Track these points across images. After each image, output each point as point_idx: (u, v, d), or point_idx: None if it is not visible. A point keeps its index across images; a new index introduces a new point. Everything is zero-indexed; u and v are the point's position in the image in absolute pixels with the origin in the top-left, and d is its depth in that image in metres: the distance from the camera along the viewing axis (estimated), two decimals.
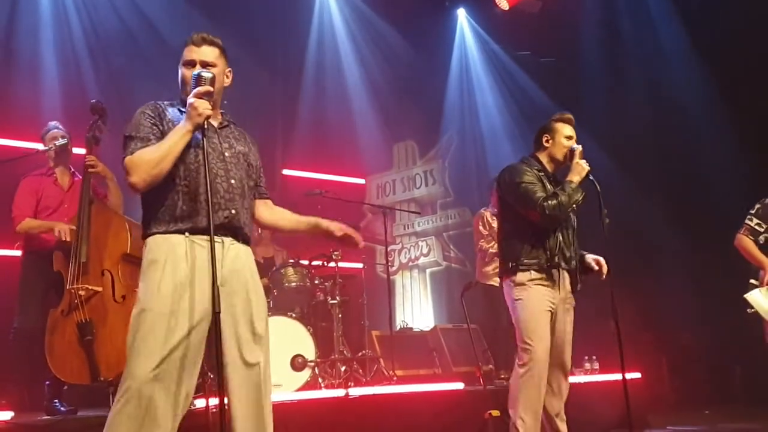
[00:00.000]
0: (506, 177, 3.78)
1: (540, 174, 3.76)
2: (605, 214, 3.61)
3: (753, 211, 4.74)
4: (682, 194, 7.92)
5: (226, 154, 2.72)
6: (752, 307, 4.60)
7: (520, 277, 3.62)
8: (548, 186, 3.71)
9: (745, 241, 4.67)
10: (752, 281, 4.67)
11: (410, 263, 9.60)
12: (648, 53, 8.45)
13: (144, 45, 7.03)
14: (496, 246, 5.88)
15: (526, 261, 3.62)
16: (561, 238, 3.66)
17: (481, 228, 6.32)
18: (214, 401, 4.09)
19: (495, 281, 5.90)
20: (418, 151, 9.81)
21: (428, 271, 9.45)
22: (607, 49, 8.68)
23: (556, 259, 3.61)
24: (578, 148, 3.74)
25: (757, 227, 4.67)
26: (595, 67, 8.76)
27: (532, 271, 3.60)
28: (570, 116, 3.89)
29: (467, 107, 9.32)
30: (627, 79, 8.65)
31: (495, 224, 6.02)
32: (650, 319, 7.99)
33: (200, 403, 4.21)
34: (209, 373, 4.77)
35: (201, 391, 4.52)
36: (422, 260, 9.50)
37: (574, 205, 3.61)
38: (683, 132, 8.03)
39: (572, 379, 5.81)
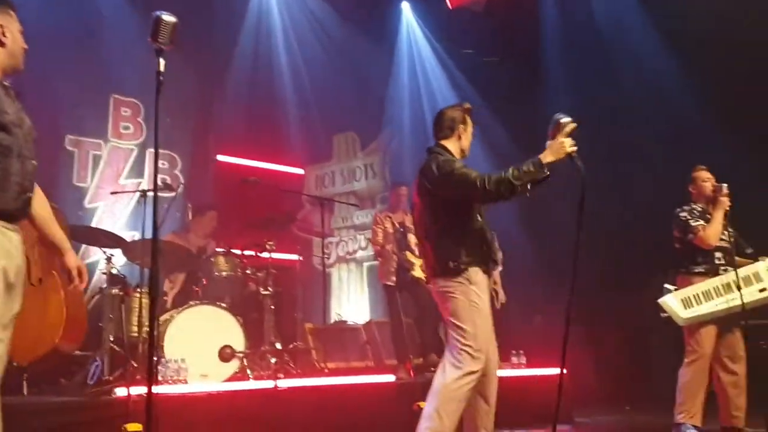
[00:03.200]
0: (434, 172, 3.53)
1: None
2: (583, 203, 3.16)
3: (685, 215, 4.83)
4: (615, 195, 8.15)
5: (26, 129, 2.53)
6: (666, 312, 4.71)
7: (472, 274, 3.44)
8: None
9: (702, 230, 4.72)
10: (666, 286, 4.78)
11: (348, 256, 9.56)
12: (596, 51, 8.61)
13: None
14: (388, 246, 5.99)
15: (466, 259, 3.45)
16: (488, 235, 3.56)
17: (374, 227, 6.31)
18: (136, 390, 4.00)
19: (392, 281, 6.02)
20: (359, 143, 9.75)
21: (365, 264, 9.42)
22: (553, 49, 8.84)
23: (491, 255, 3.54)
24: (567, 120, 3.26)
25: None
26: (541, 68, 8.92)
27: (478, 269, 3.46)
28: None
29: (410, 101, 9.32)
30: (572, 79, 8.82)
31: (387, 224, 6.11)
32: (578, 315, 8.16)
33: (121, 391, 4.11)
34: (132, 362, 4.66)
35: (122, 379, 4.42)
36: (360, 254, 9.47)
37: (528, 184, 3.27)
38: (622, 127, 8.27)
39: (499, 372, 5.93)
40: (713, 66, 7.26)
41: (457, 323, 3.44)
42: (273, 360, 5.59)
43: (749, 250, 4.91)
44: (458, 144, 3.69)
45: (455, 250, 3.47)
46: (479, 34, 8.74)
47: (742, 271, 4.63)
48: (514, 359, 6.10)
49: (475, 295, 3.45)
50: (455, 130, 3.69)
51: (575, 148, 3.22)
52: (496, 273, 6.11)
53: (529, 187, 3.27)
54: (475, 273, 3.47)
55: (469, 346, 3.39)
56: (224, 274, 5.66)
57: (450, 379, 3.38)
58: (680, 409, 4.65)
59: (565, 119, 3.23)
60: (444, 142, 3.70)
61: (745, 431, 4.66)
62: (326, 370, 5.83)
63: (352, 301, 9.32)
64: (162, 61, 2.62)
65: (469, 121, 3.72)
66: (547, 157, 3.24)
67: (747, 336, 4.78)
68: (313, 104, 8.85)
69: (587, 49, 8.55)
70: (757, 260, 4.77)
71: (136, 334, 5.00)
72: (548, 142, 3.28)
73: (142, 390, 3.87)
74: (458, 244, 3.48)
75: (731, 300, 4.59)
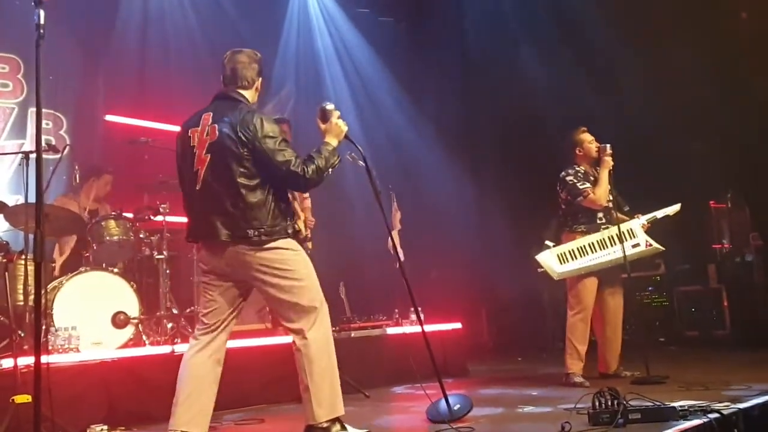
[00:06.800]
0: (256, 131, 3.27)
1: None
2: (374, 175, 3.59)
3: (571, 179, 5.06)
4: (516, 161, 8.44)
5: None
6: (542, 267, 4.95)
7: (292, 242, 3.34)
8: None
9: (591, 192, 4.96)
10: (547, 242, 5.02)
11: None
12: (484, 20, 8.77)
13: None
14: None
15: (283, 225, 3.30)
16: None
17: None
18: (23, 361, 3.84)
19: None
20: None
21: None
22: (446, 16, 8.95)
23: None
24: (330, 106, 3.44)
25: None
26: (434, 32, 9.01)
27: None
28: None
29: (305, 61, 9.20)
30: (463, 45, 8.98)
31: None
32: (475, 273, 8.47)
33: (7, 363, 3.94)
34: (20, 332, 4.47)
35: (9, 350, 4.23)
36: None
37: (330, 170, 3.30)
38: (516, 96, 8.51)
39: (400, 329, 6.09)
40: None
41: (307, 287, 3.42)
42: (169, 325, 5.49)
43: (626, 208, 5.23)
44: (254, 95, 3.56)
45: (276, 217, 3.30)
46: None
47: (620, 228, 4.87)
48: (413, 316, 6.23)
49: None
50: (254, 82, 3.56)
51: (347, 128, 3.43)
52: (395, 233, 6.21)
53: (330, 172, 3.33)
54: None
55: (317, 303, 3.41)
56: (115, 238, 5.47)
57: None
58: (569, 360, 4.93)
59: (330, 106, 3.45)
60: (243, 92, 3.51)
61: (623, 374, 5.01)
62: None
63: None
64: (42, 13, 2.49)
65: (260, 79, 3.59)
66: (333, 141, 3.38)
67: (627, 288, 5.12)
68: (209, 63, 8.54)
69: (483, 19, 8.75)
70: (633, 218, 5.08)
71: (22, 303, 4.78)
72: (323, 127, 3.42)
73: (30, 360, 3.72)
74: (281, 211, 3.32)
75: (605, 255, 4.85)
